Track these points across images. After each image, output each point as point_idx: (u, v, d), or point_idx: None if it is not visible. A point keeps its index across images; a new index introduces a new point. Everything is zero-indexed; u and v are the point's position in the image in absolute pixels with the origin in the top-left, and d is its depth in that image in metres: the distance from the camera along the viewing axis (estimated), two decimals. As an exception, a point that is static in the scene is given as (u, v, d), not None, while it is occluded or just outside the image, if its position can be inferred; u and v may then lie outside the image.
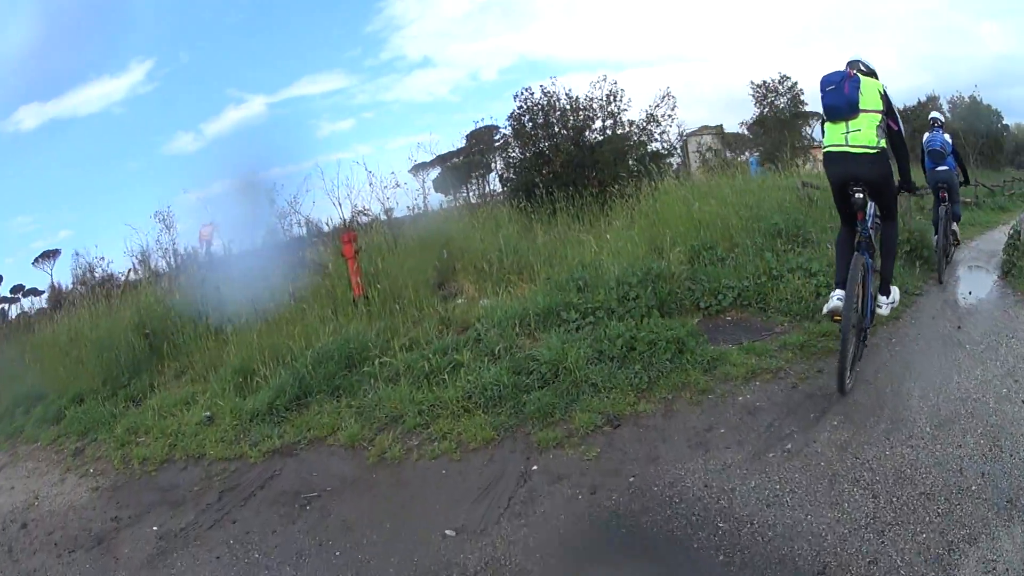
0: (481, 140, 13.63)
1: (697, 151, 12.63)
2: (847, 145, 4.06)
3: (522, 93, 11.50)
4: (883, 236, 4.49)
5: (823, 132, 4.25)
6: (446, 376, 5.02)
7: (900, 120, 4.23)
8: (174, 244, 10.63)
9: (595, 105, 11.49)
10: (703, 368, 4.74)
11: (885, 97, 4.14)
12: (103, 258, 11.55)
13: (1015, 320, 5.31)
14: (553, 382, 4.75)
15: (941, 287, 6.59)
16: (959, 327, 5.21)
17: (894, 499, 3.08)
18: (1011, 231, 6.74)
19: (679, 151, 12.53)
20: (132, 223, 11.24)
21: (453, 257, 7.51)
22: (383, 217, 9.64)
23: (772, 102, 13.67)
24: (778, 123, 13.36)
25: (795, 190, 8.13)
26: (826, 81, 4.15)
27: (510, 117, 11.69)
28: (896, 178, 4.39)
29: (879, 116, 4.06)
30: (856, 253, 4.20)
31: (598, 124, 11.54)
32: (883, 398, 4.10)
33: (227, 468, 4.77)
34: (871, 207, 4.31)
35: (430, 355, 5.27)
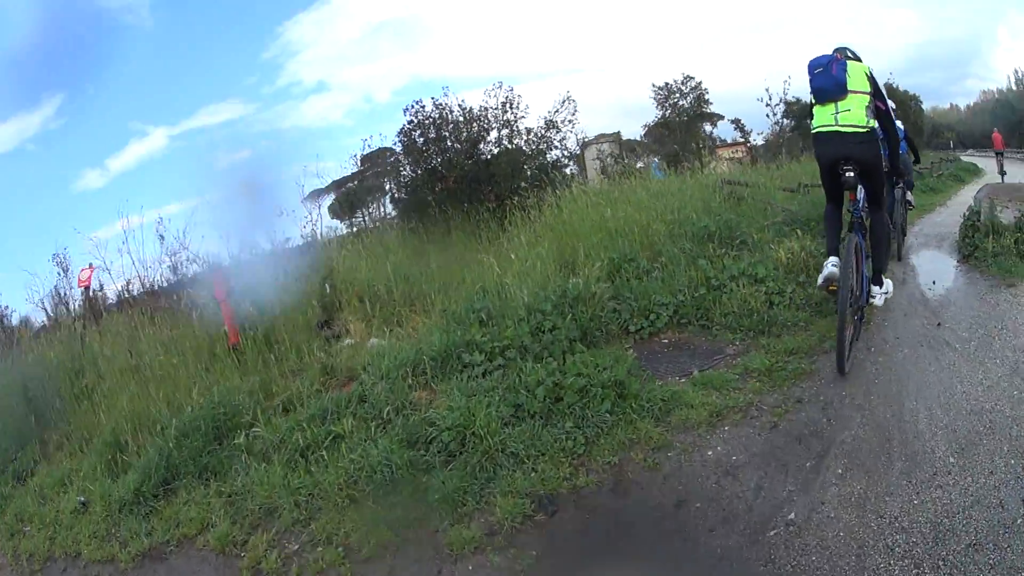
0: (376, 162, 13.46)
1: (596, 158, 12.73)
2: (837, 125, 4.34)
3: (413, 106, 11.33)
4: (872, 227, 4.65)
5: (812, 115, 4.53)
6: (325, 453, 4.35)
7: (888, 102, 4.54)
8: (69, 290, 10.10)
9: (490, 115, 11.38)
10: (654, 416, 4.03)
11: (872, 79, 4.43)
12: (7, 307, 11.00)
13: (996, 308, 5.02)
14: (460, 454, 4.02)
15: (902, 278, 6.37)
16: (939, 324, 4.87)
17: (940, 563, 2.62)
18: (967, 212, 6.68)
19: (573, 162, 12.64)
20: (35, 267, 10.63)
21: (337, 290, 7.06)
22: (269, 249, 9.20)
23: (675, 103, 13.79)
24: (682, 124, 13.61)
25: (717, 189, 7.92)
26: (814, 64, 4.46)
27: (400, 133, 11.47)
28: (886, 163, 4.72)
29: (868, 97, 4.35)
30: (850, 233, 4.39)
31: (493, 135, 11.40)
32: (886, 427, 3.60)
33: (100, 573, 4.44)
34: (861, 191, 4.53)
35: (305, 423, 4.65)
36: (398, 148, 11.82)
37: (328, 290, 7.00)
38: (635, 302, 5.53)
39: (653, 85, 13.98)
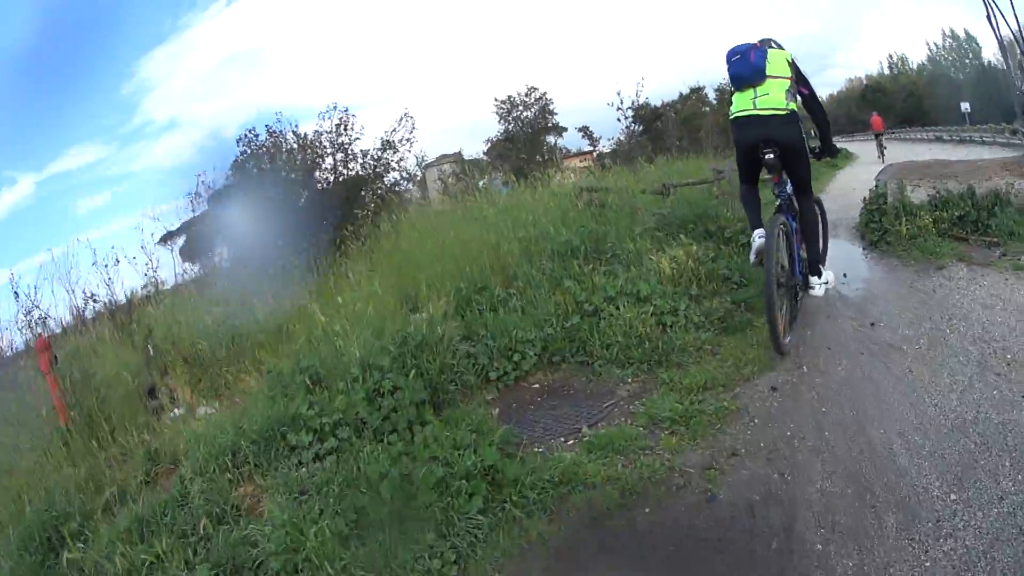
0: (222, 199, 13.77)
1: (439, 179, 13.18)
2: (755, 109, 4.58)
3: (246, 135, 11.60)
4: (803, 214, 4.88)
5: (731, 103, 4.80)
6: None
7: (811, 85, 4.85)
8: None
9: (324, 140, 11.69)
10: (544, 509, 3.20)
11: (793, 65, 4.72)
12: None
13: (934, 296, 4.77)
14: (295, 587, 3.16)
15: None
16: (872, 324, 4.53)
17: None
18: (870, 195, 6.58)
19: (414, 184, 13.04)
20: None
21: (161, 350, 6.57)
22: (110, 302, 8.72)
23: (519, 116, 14.60)
24: (526, 136, 14.31)
25: (575, 197, 7.70)
26: (732, 53, 4.73)
27: (233, 165, 11.69)
28: (814, 144, 5.05)
29: (788, 81, 4.61)
30: (776, 214, 4.67)
31: (329, 162, 11.75)
32: (858, 471, 3.05)
33: None
34: (787, 179, 4.85)
35: (121, 539, 3.85)
36: (229, 181, 11.88)
37: (151, 350, 6.54)
38: (493, 341, 5.03)
39: (495, 99, 14.97)
